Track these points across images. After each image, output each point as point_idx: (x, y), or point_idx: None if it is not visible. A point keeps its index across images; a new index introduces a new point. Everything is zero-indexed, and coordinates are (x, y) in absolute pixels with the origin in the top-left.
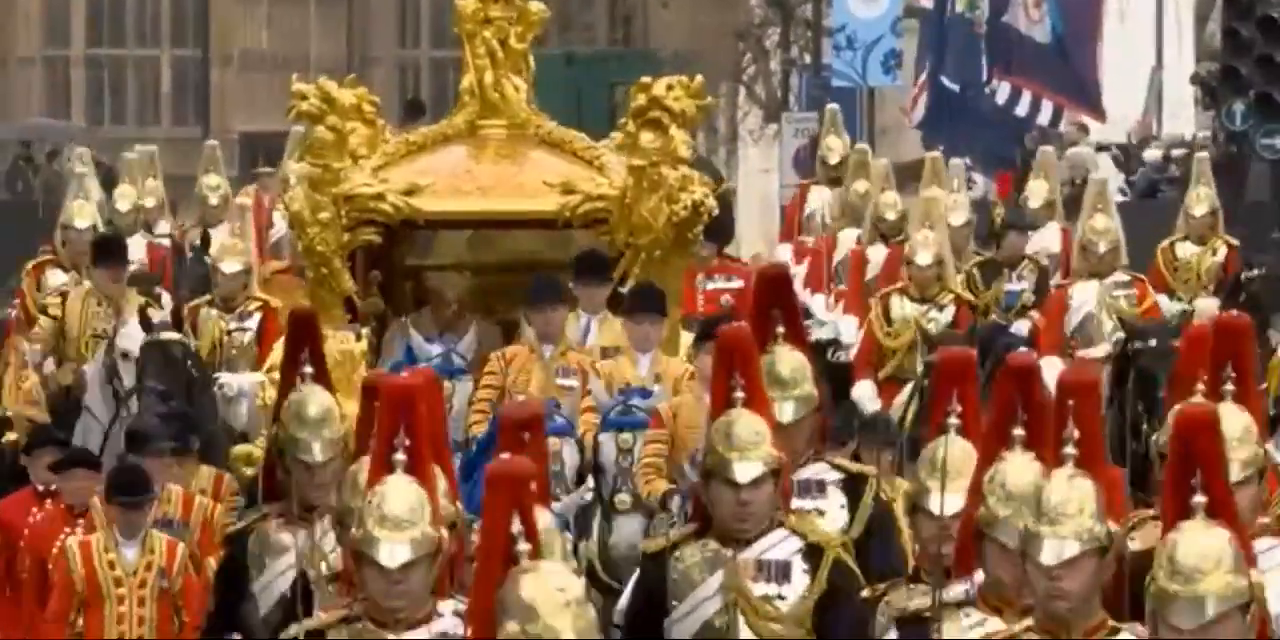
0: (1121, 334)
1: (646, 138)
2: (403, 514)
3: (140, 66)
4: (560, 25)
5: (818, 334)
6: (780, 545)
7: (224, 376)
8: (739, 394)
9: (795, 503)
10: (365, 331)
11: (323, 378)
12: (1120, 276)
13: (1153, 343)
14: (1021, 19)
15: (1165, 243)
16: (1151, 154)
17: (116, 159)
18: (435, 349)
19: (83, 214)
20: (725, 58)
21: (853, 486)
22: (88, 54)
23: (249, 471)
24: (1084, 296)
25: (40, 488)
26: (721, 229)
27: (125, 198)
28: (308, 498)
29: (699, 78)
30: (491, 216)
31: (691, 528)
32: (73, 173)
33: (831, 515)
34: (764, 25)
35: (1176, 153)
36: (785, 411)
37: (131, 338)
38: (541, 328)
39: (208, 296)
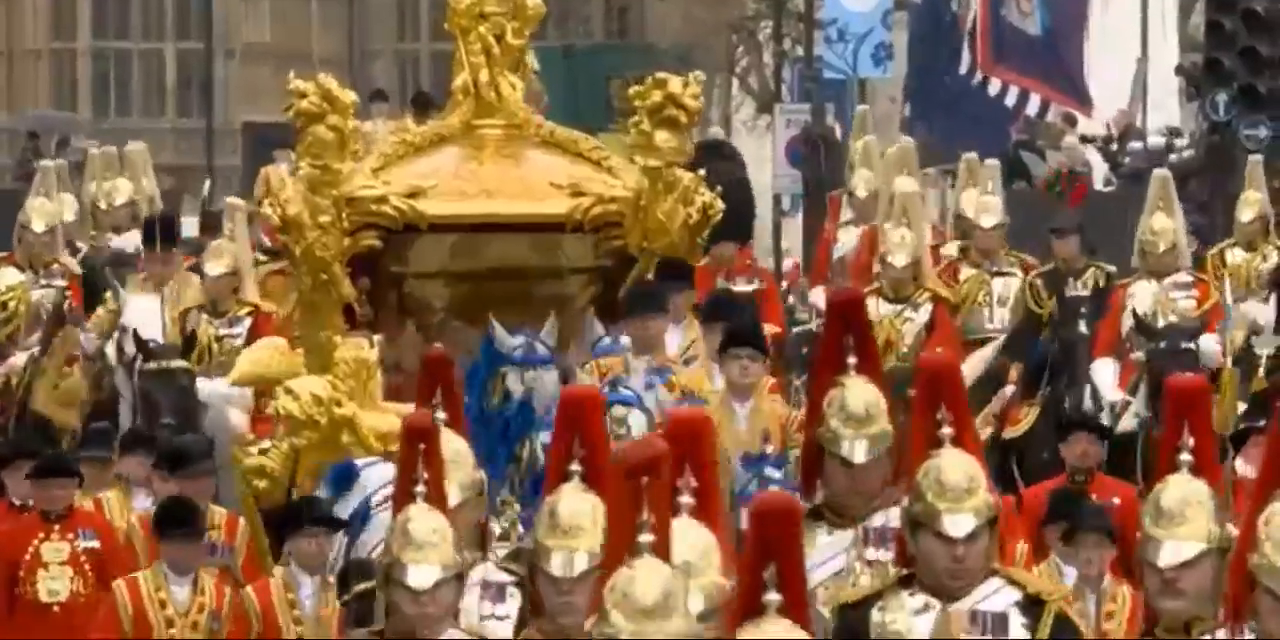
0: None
1: (662, 137)
2: (692, 559)
3: (145, 59)
4: (557, 18)
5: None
6: (996, 596)
7: (200, 382)
8: (946, 430)
9: (871, 554)
10: (378, 338)
11: (456, 424)
12: (1182, 277)
13: (1162, 344)
14: (1014, 12)
15: (1214, 249)
16: (1135, 144)
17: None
18: (518, 339)
19: (41, 215)
20: (719, 50)
21: None
22: (93, 46)
23: (261, 485)
24: (1142, 297)
25: (16, 501)
26: (743, 227)
27: (122, 191)
28: None
29: (698, 74)
30: (498, 220)
31: (895, 576)
32: (45, 167)
33: None
34: (757, 18)
35: (1157, 141)
36: (858, 451)
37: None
38: (639, 338)
39: (198, 301)
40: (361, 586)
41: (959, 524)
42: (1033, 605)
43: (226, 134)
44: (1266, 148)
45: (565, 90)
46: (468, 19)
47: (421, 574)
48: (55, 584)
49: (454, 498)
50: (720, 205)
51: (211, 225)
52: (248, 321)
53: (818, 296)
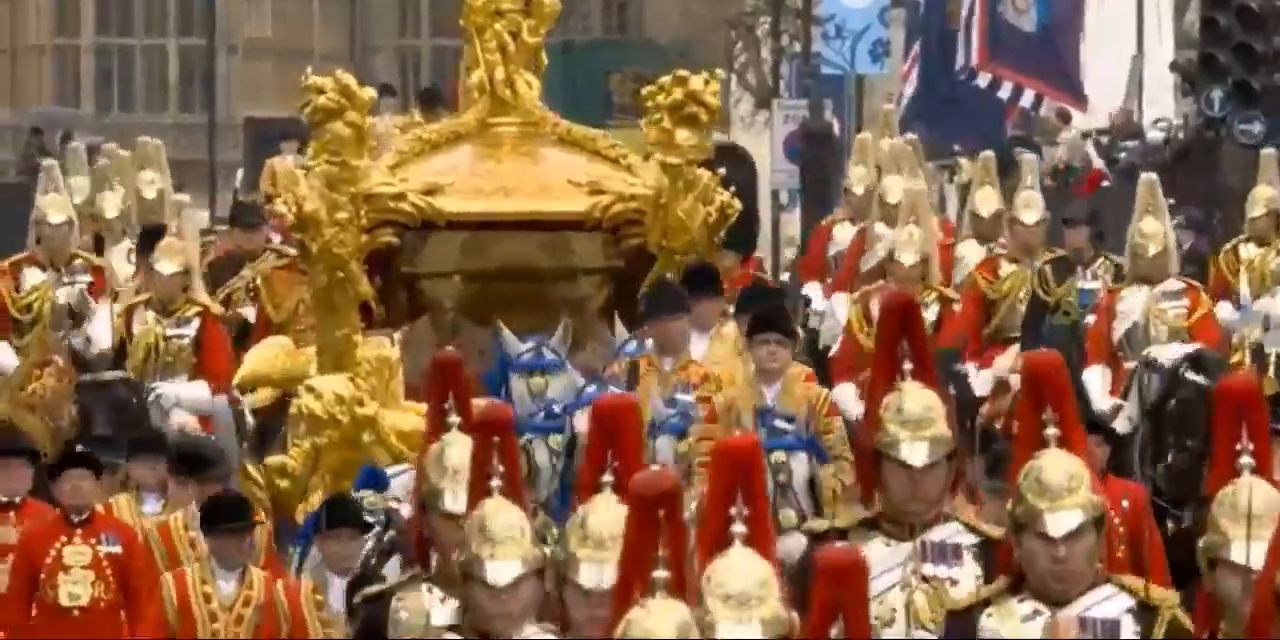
0: (1162, 356)
1: (683, 135)
2: (752, 589)
3: (148, 55)
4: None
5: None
6: (1107, 603)
7: (161, 387)
8: (1051, 431)
9: (929, 569)
10: (398, 336)
11: (468, 427)
12: (1172, 285)
13: (1208, 382)
14: (1010, 9)
15: (1228, 245)
16: (1131, 142)
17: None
18: (527, 344)
19: (56, 208)
20: (717, 46)
21: (990, 553)
22: (97, 43)
23: (283, 484)
24: (1133, 304)
25: None
26: (745, 237)
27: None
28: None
29: (718, 71)
30: (517, 217)
31: (1003, 582)
32: (49, 165)
33: (965, 586)
34: (755, 14)
35: (1156, 136)
36: (917, 454)
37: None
38: (661, 339)
39: (144, 297)
40: (371, 590)
41: (1059, 523)
42: (1145, 612)
43: (228, 129)
44: (1260, 143)
45: (564, 86)
46: (483, 16)
47: (500, 570)
48: (76, 588)
49: (463, 504)
50: (738, 204)
51: (245, 217)
52: (196, 322)
53: (811, 291)
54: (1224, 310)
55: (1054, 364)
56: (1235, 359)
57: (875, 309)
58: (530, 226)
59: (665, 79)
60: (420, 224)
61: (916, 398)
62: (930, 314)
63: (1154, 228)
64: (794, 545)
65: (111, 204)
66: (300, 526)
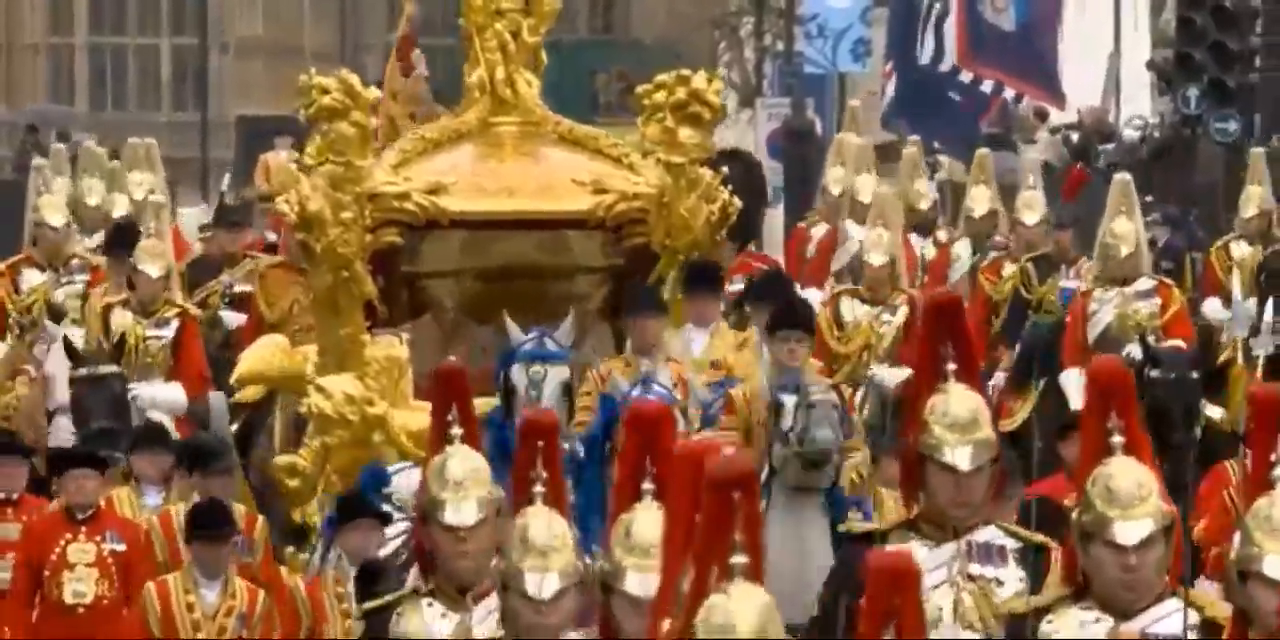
0: (1137, 355)
1: (686, 133)
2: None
3: (141, 54)
4: None
5: None
6: (1172, 617)
7: (138, 388)
8: (1117, 438)
9: (975, 569)
10: (407, 336)
11: (472, 439)
12: (1143, 285)
13: (1172, 375)
14: (989, 7)
15: (1220, 242)
16: (1108, 146)
17: (119, 143)
18: (530, 334)
19: (54, 209)
20: (702, 45)
21: (1035, 559)
22: (90, 41)
23: (293, 484)
24: (1105, 305)
25: None
26: (747, 228)
27: (141, 186)
28: (455, 571)
29: (720, 71)
30: (520, 217)
31: (1065, 591)
32: (42, 166)
33: (1010, 587)
34: (739, 14)
35: (1133, 135)
36: (961, 458)
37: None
38: (637, 338)
39: (121, 297)
40: (373, 604)
41: (1129, 531)
42: (1211, 630)
43: (221, 127)
44: (1236, 141)
45: (551, 85)
46: (484, 16)
47: (542, 583)
48: (81, 586)
49: (471, 517)
50: (737, 203)
51: (229, 218)
52: (175, 323)
53: None
54: (1213, 307)
55: (1119, 371)
56: (1226, 356)
57: (845, 311)
58: (533, 226)
59: (665, 77)
60: (424, 223)
61: (962, 400)
62: (899, 316)
63: (1125, 228)
64: None
65: (121, 204)
66: (320, 527)
